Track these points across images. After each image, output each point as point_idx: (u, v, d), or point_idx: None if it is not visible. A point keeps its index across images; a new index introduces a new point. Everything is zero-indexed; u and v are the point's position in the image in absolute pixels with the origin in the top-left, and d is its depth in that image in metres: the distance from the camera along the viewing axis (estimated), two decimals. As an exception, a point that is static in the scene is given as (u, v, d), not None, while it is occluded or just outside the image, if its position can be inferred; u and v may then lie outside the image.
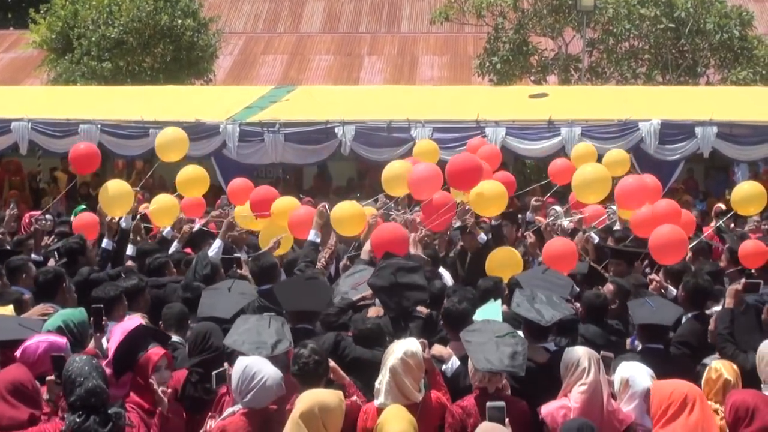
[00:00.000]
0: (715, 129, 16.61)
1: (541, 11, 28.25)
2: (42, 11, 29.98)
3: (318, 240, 10.72)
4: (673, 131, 16.73)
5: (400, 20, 39.14)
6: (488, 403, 5.96)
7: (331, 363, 6.81)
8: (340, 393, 6.10)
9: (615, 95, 21.39)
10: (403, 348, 6.38)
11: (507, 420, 5.84)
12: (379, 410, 6.19)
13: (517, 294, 7.90)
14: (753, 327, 8.06)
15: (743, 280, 8.69)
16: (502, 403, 5.94)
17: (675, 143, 16.66)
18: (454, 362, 7.12)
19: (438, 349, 7.13)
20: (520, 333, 7.09)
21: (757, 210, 11.53)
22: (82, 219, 12.20)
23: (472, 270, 10.66)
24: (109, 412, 5.92)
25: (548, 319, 7.35)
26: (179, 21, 28.03)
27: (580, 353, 6.57)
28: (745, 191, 11.39)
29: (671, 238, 10.05)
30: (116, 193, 11.35)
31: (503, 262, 10.24)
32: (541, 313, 7.40)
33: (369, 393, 6.61)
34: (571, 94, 22.11)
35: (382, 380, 6.31)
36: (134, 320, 7.41)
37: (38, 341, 6.76)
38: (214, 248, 11.27)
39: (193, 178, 12.39)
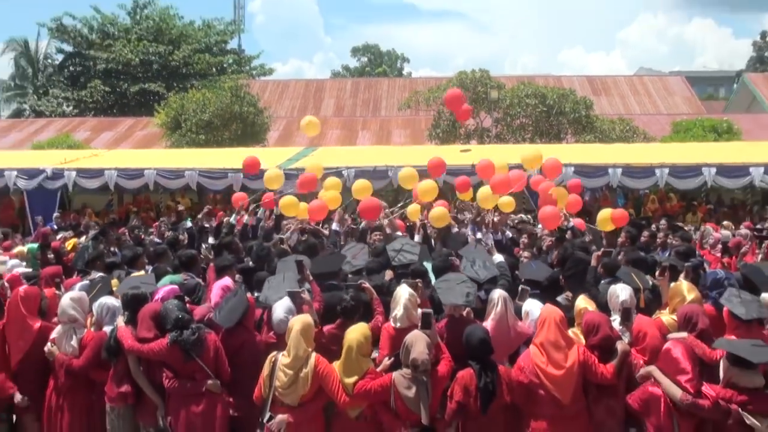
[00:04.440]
0: (572, 168, 16.66)
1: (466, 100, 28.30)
2: (162, 105, 30.06)
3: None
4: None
5: (380, 109, 39.30)
6: (420, 310, 5.91)
7: (366, 284, 6.77)
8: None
9: (512, 151, 21.32)
10: (407, 291, 6.22)
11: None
12: (396, 330, 6.04)
13: (464, 261, 7.81)
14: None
15: (603, 249, 8.53)
16: (429, 310, 5.87)
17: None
18: None
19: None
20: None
21: (610, 228, 11.14)
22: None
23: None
24: (192, 327, 6.07)
25: (482, 277, 7.33)
26: (246, 109, 28.03)
27: (494, 295, 6.43)
28: (603, 215, 11.11)
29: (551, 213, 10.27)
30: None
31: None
32: (478, 274, 7.36)
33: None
34: (485, 151, 22.07)
35: (398, 311, 6.11)
36: (225, 280, 7.43)
37: (164, 289, 6.96)
38: (289, 235, 10.97)
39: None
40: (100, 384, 6.51)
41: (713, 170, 16.78)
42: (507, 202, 11.32)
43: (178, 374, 6.05)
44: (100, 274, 8.58)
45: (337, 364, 5.70)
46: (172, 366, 6.06)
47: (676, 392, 5.25)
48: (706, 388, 5.25)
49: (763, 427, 5.07)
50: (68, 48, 45.19)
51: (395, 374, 5.58)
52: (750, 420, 5.09)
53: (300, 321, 5.86)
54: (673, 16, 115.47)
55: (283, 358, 5.77)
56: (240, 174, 17.83)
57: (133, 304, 6.44)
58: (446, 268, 7.64)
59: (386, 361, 5.77)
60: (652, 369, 5.48)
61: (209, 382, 6.03)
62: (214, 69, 43.53)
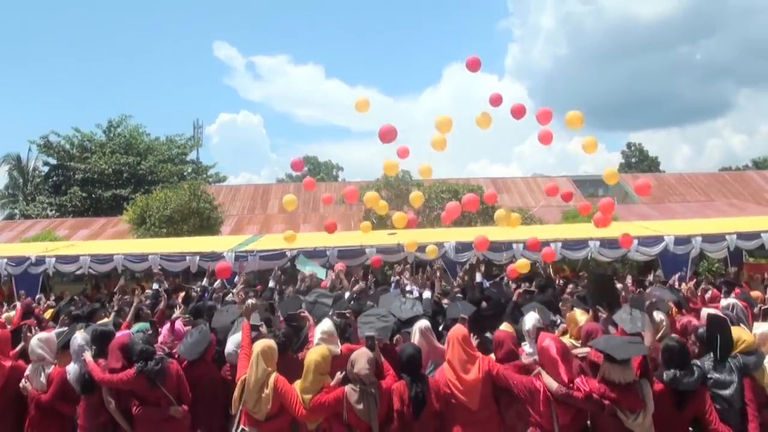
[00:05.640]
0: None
1: (390, 197, 28.46)
2: (130, 204, 29.67)
3: None
4: (459, 247, 17.02)
5: (319, 207, 39.27)
6: (366, 333, 5.83)
7: (305, 313, 6.90)
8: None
9: (431, 234, 21.60)
10: (321, 330, 6.16)
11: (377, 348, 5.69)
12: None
13: (396, 300, 7.91)
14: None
15: (524, 289, 8.99)
16: (372, 334, 5.79)
17: (463, 252, 16.94)
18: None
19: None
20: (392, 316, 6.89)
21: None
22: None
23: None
24: (156, 358, 5.91)
25: (404, 317, 7.29)
26: (203, 205, 27.77)
27: (415, 327, 6.54)
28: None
29: None
30: None
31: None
32: (401, 312, 7.36)
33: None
34: (409, 234, 22.26)
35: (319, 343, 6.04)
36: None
37: (124, 333, 6.76)
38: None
39: None
40: (68, 417, 6.23)
41: (597, 243, 17.36)
42: None
43: (144, 401, 5.84)
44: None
45: (298, 383, 5.54)
46: (139, 394, 5.85)
47: (552, 384, 5.26)
48: (581, 382, 5.21)
49: (630, 421, 5.06)
50: (53, 161, 45.06)
51: (347, 388, 5.45)
52: (620, 415, 5.09)
53: (260, 344, 5.70)
54: (557, 135, 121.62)
55: (249, 379, 5.60)
56: (196, 257, 17.61)
57: (101, 338, 6.28)
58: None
59: (339, 375, 5.61)
60: (539, 368, 5.48)
61: (172, 408, 5.84)
62: (175, 177, 43.46)
